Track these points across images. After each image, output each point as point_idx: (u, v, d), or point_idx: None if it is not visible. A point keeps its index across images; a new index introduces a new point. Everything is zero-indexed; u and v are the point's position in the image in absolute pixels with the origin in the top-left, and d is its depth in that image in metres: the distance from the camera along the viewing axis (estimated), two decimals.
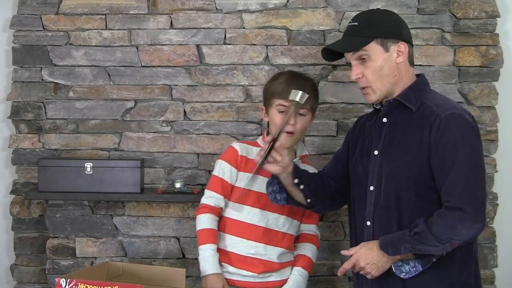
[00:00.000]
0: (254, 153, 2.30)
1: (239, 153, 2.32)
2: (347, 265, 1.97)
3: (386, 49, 1.98)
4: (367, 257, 1.91)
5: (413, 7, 2.70)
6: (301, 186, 2.09)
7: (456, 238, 1.82)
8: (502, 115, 2.70)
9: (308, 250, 2.33)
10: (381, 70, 1.97)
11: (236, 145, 2.35)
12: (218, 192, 2.31)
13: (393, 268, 1.90)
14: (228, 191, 2.32)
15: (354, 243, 2.07)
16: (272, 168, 2.00)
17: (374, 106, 2.09)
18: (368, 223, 1.99)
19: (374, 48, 1.97)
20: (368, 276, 1.94)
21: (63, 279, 2.05)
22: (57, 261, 2.75)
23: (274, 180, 2.11)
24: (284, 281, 2.30)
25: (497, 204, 2.68)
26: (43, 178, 2.65)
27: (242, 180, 2.30)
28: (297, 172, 2.09)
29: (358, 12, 2.64)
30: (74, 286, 2.03)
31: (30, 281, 2.82)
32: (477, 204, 1.83)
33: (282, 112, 2.24)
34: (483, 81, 2.68)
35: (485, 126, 2.68)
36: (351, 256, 1.97)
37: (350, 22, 2.06)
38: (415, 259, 1.88)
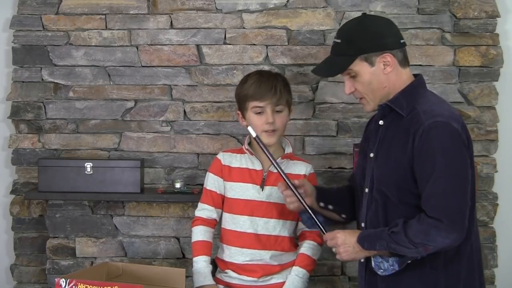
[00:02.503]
0: (238, 160, 2.33)
1: (222, 162, 2.35)
2: (327, 236, 2.00)
3: (372, 64, 1.95)
4: (347, 239, 1.93)
5: (413, 7, 2.70)
6: (330, 207, 2.11)
7: (430, 244, 1.81)
8: (502, 115, 2.70)
9: (306, 247, 2.31)
10: (370, 85, 1.96)
11: (220, 155, 2.38)
12: (209, 204, 2.34)
13: (372, 263, 1.90)
14: (219, 202, 2.34)
15: None
16: (294, 206, 2.08)
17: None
18: (363, 224, 2.00)
19: (359, 65, 1.95)
20: (337, 257, 1.96)
21: (63, 279, 2.04)
22: (57, 261, 2.75)
23: (305, 214, 2.13)
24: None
25: (497, 204, 2.68)
26: (43, 178, 2.65)
27: (229, 190, 2.32)
28: (320, 194, 2.11)
29: (357, 12, 2.68)
30: (74, 286, 2.03)
31: (30, 281, 2.82)
32: (452, 214, 1.80)
33: (259, 113, 2.25)
34: (483, 81, 2.68)
35: (485, 126, 2.68)
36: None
37: (334, 38, 2.03)
38: (393, 258, 1.87)
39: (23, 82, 2.78)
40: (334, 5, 2.71)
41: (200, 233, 2.32)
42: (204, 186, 2.39)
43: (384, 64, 1.95)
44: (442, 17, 2.69)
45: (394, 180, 1.91)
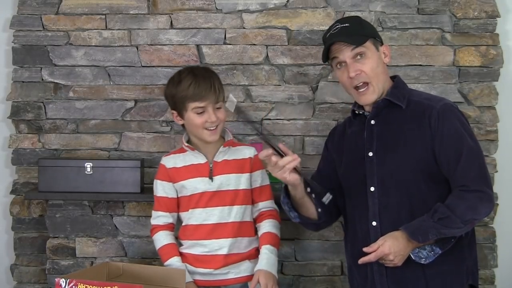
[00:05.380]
0: (182, 159, 2.33)
1: (167, 166, 2.34)
2: (373, 258, 1.92)
3: (377, 49, 2.07)
4: (396, 249, 1.89)
5: (413, 7, 2.70)
6: (313, 195, 2.12)
7: (477, 217, 1.90)
8: (502, 115, 2.70)
9: (271, 226, 2.31)
10: (377, 68, 2.05)
11: (163, 160, 2.37)
12: (163, 210, 2.34)
13: (412, 256, 1.92)
14: (173, 205, 2.34)
15: (351, 247, 2.12)
16: (291, 177, 2.00)
17: (356, 111, 2.11)
18: (374, 223, 2.00)
19: (370, 46, 2.05)
20: (390, 264, 1.92)
21: (63, 279, 2.04)
22: (57, 261, 2.75)
23: (285, 198, 2.15)
24: (243, 279, 2.28)
25: (497, 204, 2.68)
26: (43, 178, 2.65)
27: (182, 189, 2.31)
28: (306, 182, 2.10)
29: (357, 12, 2.69)
30: (74, 286, 2.03)
31: (30, 281, 2.82)
32: (490, 184, 1.94)
33: (201, 113, 2.23)
34: (483, 81, 2.69)
35: (485, 126, 2.68)
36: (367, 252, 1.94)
37: (337, 25, 2.09)
38: (431, 244, 1.90)
39: (23, 82, 2.78)
40: (334, 5, 2.71)
41: (162, 238, 2.32)
42: (154, 194, 2.37)
43: (384, 54, 2.09)
44: (442, 17, 2.69)
45: (417, 166, 1.97)
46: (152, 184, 2.74)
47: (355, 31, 2.05)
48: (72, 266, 2.74)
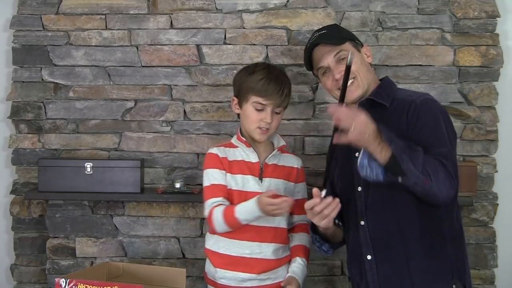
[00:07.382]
0: (232, 153, 2.30)
1: (220, 155, 2.28)
2: (343, 111, 1.81)
3: (358, 50, 2.11)
4: (367, 123, 1.80)
5: (413, 7, 2.70)
6: (340, 223, 2.13)
7: (433, 180, 1.82)
8: (502, 115, 2.70)
9: (305, 240, 2.31)
10: (361, 65, 2.08)
11: (214, 150, 2.30)
12: (217, 196, 2.22)
13: (358, 162, 1.85)
14: (226, 192, 2.24)
15: (349, 250, 2.12)
16: (324, 222, 1.98)
17: None
18: (362, 222, 2.02)
19: (350, 48, 2.08)
20: (346, 135, 1.81)
21: (63, 279, 2.04)
22: (57, 261, 2.75)
23: (313, 235, 2.17)
24: (279, 284, 2.25)
25: (497, 204, 2.68)
26: (43, 178, 2.65)
27: (230, 181, 2.26)
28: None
29: (357, 12, 2.70)
30: (74, 286, 2.03)
31: (30, 281, 2.82)
32: (457, 175, 1.91)
33: (259, 110, 2.22)
34: (483, 81, 2.69)
35: (485, 126, 2.68)
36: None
37: (315, 33, 2.14)
38: (379, 168, 1.83)
39: (23, 82, 2.78)
40: (334, 5, 2.71)
41: (219, 209, 2.18)
42: (205, 185, 2.26)
43: (365, 54, 2.13)
44: (442, 17, 2.69)
45: None
46: (152, 184, 2.77)
47: (333, 35, 2.10)
48: (72, 266, 2.74)
